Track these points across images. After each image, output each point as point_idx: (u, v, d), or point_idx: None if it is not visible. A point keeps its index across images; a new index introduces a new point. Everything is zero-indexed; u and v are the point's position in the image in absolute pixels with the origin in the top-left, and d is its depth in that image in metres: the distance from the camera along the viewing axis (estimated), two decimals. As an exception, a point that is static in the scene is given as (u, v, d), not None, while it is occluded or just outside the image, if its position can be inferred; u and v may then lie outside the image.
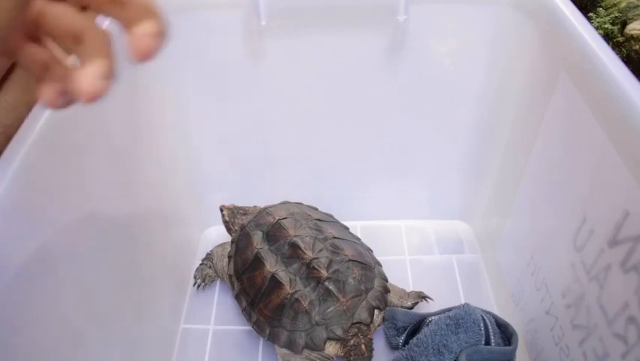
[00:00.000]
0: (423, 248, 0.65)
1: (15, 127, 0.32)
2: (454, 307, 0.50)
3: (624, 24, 0.81)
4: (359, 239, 0.60)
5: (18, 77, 0.48)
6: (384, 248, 0.61)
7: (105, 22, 0.34)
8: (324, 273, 0.50)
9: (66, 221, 0.35)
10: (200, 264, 0.61)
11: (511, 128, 0.54)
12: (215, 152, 0.61)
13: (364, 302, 0.51)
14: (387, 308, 0.53)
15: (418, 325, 0.51)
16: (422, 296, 0.56)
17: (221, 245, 0.61)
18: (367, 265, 0.54)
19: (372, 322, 0.50)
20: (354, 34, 0.51)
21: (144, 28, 0.22)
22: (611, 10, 0.84)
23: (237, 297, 0.55)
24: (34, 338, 0.31)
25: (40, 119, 0.33)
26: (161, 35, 0.22)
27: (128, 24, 0.22)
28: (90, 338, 0.38)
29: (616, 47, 0.80)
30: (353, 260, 0.53)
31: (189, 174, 0.62)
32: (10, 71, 0.47)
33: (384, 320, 0.53)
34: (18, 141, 0.31)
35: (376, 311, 0.51)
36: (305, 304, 0.49)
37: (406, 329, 0.52)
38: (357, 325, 0.49)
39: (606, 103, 0.34)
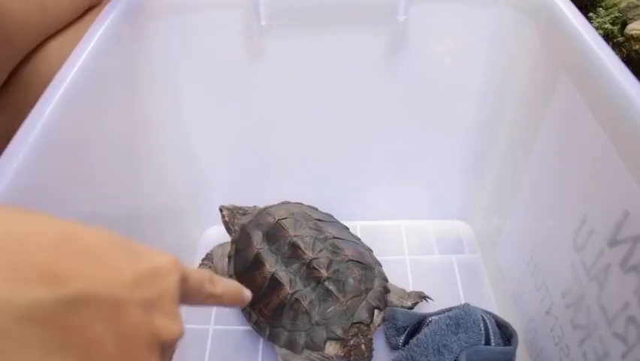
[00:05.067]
0: (423, 248, 0.65)
1: (17, 129, 0.32)
2: (454, 308, 0.50)
3: (624, 24, 0.81)
4: (359, 239, 0.60)
5: (21, 79, 0.48)
6: (384, 248, 0.61)
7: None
8: (324, 273, 0.50)
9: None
10: (200, 264, 0.61)
11: (511, 128, 0.54)
12: (215, 152, 0.61)
13: (364, 302, 0.51)
14: (387, 308, 0.53)
15: (418, 325, 0.51)
16: (422, 296, 0.56)
17: (221, 245, 0.61)
18: (367, 265, 0.54)
19: (372, 322, 0.50)
20: (354, 35, 0.51)
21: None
22: (611, 10, 0.84)
23: (237, 297, 0.55)
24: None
25: (40, 119, 0.33)
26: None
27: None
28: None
29: (616, 47, 0.80)
30: (353, 260, 0.53)
31: (189, 174, 0.62)
32: (12, 74, 0.47)
33: (384, 320, 0.53)
34: (18, 140, 0.31)
35: (376, 311, 0.51)
36: (305, 304, 0.49)
37: (406, 329, 0.52)
38: (357, 325, 0.49)
39: (606, 103, 0.34)
